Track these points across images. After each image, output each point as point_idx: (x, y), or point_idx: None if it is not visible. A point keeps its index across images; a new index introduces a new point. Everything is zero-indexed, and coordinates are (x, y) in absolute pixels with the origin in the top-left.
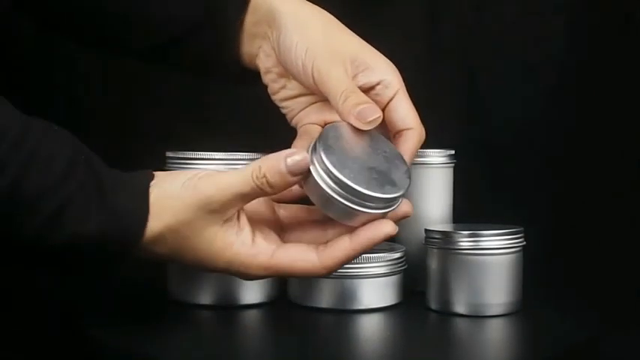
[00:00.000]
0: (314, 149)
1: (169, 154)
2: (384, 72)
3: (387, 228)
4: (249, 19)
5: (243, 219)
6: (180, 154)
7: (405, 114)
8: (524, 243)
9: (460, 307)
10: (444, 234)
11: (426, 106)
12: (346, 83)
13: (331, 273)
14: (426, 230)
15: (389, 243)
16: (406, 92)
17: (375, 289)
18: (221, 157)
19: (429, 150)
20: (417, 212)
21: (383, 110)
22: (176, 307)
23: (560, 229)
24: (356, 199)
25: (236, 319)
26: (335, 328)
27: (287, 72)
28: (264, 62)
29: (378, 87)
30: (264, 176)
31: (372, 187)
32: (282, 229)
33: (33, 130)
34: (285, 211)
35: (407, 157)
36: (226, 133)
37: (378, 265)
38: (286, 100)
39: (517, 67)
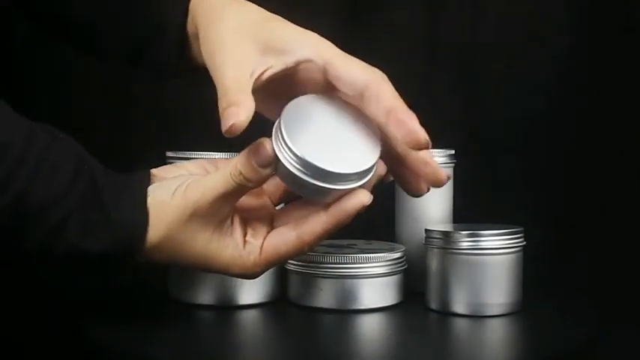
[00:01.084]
0: (277, 133)
1: (169, 154)
2: (299, 49)
3: (361, 197)
4: (191, 26)
5: (236, 220)
6: (180, 154)
7: (349, 76)
8: (524, 243)
9: (460, 307)
10: (444, 234)
11: (426, 106)
12: (227, 83)
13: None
14: (426, 230)
15: (389, 243)
16: (339, 54)
17: (375, 289)
18: (221, 157)
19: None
20: (417, 212)
21: (330, 85)
22: (176, 307)
23: (560, 229)
24: (327, 179)
25: (236, 319)
26: (335, 328)
27: None
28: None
29: (303, 67)
30: (240, 173)
31: (342, 163)
32: (273, 216)
33: (38, 140)
34: (273, 187)
35: (399, 109)
36: None
37: (378, 265)
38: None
39: (517, 67)
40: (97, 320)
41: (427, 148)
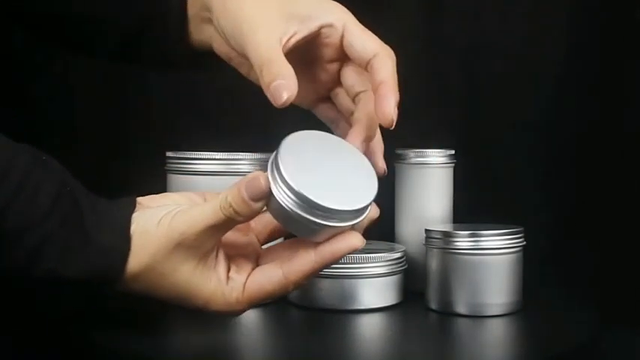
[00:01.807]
0: (273, 167)
1: (169, 154)
2: (323, 14)
3: (353, 240)
4: (192, 5)
5: (221, 254)
6: (180, 154)
7: (362, 44)
8: (524, 243)
9: (460, 307)
10: (444, 234)
11: (426, 106)
12: (264, 52)
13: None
14: (426, 230)
15: (389, 243)
16: (357, 23)
17: (375, 289)
18: (221, 157)
19: (429, 150)
20: (417, 212)
21: (342, 50)
22: (176, 307)
23: (560, 229)
24: (321, 214)
25: (236, 319)
26: (335, 328)
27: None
28: (220, 49)
29: (323, 32)
30: (231, 206)
31: (338, 200)
32: (258, 254)
33: (20, 161)
34: (261, 226)
35: (388, 85)
36: (226, 133)
37: (378, 265)
38: None
39: (517, 67)
40: (97, 320)
41: (390, 127)
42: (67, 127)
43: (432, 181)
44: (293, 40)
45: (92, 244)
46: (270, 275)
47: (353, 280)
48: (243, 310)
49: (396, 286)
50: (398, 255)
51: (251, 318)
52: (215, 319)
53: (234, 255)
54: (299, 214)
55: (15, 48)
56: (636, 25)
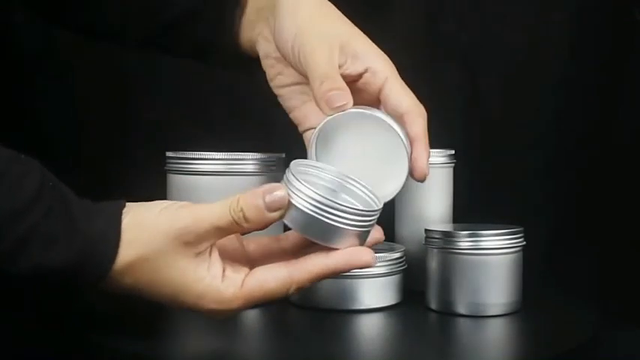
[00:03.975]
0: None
1: (169, 154)
2: (371, 59)
3: (367, 257)
4: (253, 5)
5: (215, 254)
6: (180, 154)
7: (398, 99)
8: (524, 243)
9: (460, 307)
10: (444, 234)
11: (427, 106)
12: (326, 67)
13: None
14: (426, 230)
15: (389, 243)
16: (398, 78)
17: (375, 289)
18: (221, 157)
19: None
20: (417, 212)
21: (378, 99)
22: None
23: (560, 229)
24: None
25: (237, 320)
26: (335, 328)
27: (283, 57)
28: (264, 47)
29: (365, 75)
30: (242, 210)
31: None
32: (252, 264)
33: (1, 155)
34: (254, 245)
35: (416, 143)
36: (226, 133)
37: (378, 265)
38: (282, 88)
39: (517, 67)
40: (97, 321)
41: (422, 180)
42: (66, 127)
43: (432, 181)
44: (344, 72)
45: (80, 231)
46: (274, 272)
47: (353, 280)
48: (239, 309)
49: (396, 286)
50: (398, 255)
51: (251, 318)
52: (216, 320)
53: (226, 255)
54: (316, 217)
55: (15, 47)
56: (636, 25)
